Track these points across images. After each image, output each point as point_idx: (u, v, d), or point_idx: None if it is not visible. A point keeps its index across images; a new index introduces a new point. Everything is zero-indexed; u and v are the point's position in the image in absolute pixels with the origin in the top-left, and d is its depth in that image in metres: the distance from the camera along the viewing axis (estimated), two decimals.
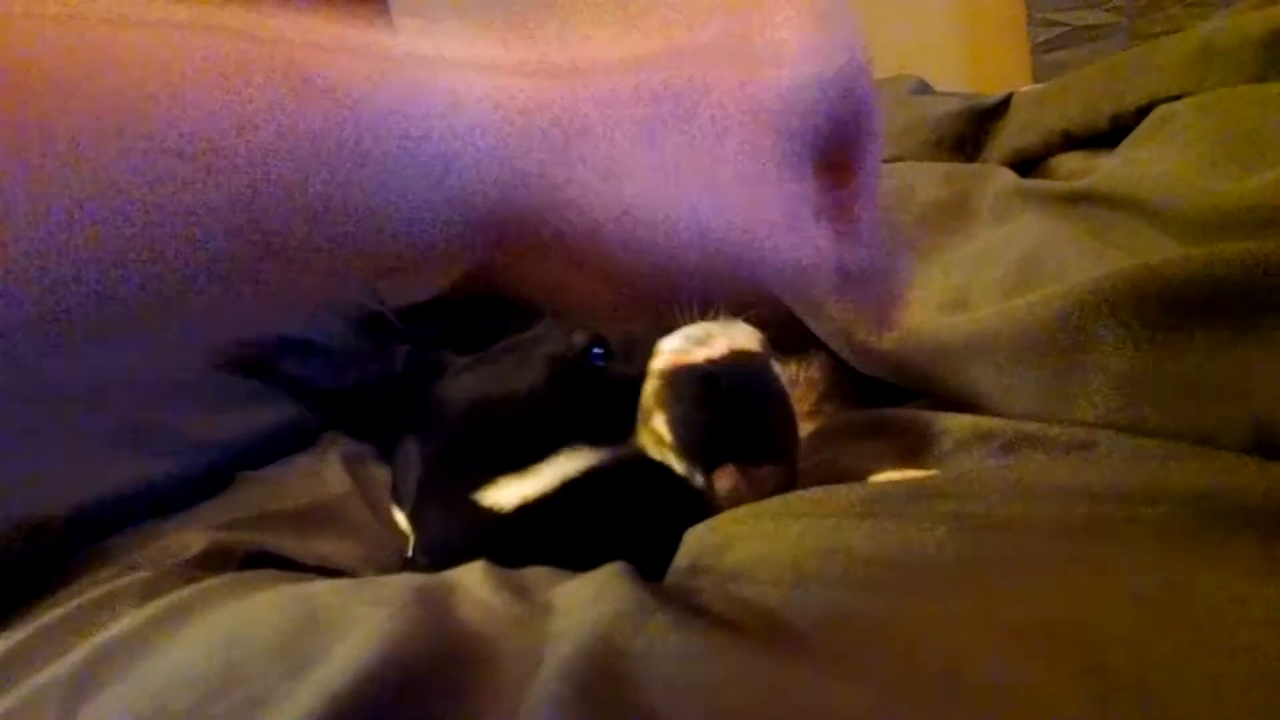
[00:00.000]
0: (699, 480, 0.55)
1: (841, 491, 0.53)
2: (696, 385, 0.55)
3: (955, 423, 0.65)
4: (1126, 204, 0.71)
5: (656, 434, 0.56)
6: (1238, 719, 0.29)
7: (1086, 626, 0.32)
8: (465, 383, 0.69)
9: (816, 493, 0.54)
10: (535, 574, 0.51)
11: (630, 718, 0.33)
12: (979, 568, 0.38)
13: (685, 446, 0.55)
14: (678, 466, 0.55)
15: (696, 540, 0.53)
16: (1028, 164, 0.96)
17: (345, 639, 0.42)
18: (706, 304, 0.61)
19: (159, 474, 0.90)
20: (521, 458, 0.56)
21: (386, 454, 0.76)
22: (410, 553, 0.69)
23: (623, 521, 0.55)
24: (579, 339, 0.63)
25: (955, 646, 0.33)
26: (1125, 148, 0.84)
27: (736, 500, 0.55)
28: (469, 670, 0.39)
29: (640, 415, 0.57)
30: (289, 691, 0.39)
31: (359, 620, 0.43)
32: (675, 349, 0.58)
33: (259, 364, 0.73)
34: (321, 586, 0.52)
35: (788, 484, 0.58)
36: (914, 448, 0.65)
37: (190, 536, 0.74)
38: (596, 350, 0.63)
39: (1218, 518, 0.39)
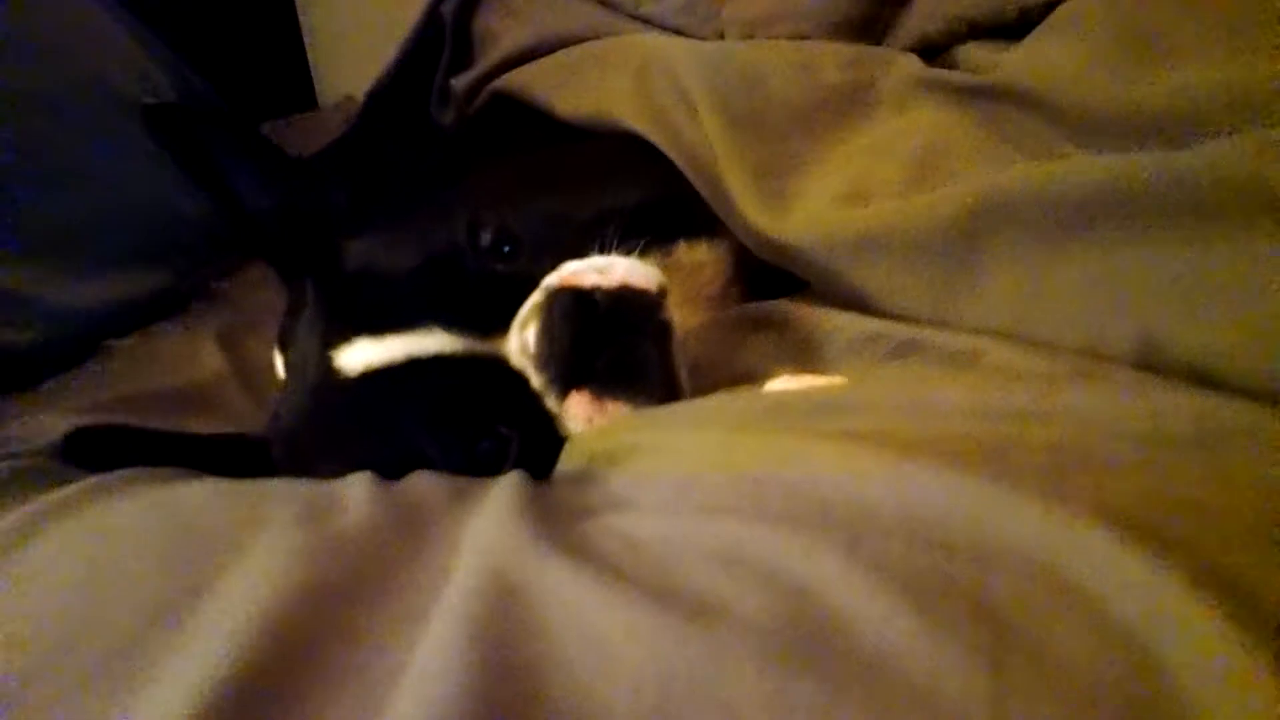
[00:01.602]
0: (552, 399, 0.56)
1: (739, 402, 0.52)
2: (572, 305, 0.55)
3: (846, 322, 0.64)
4: (1030, 102, 0.70)
5: (524, 342, 0.56)
6: (1123, 667, 0.29)
7: (980, 584, 0.32)
8: (365, 243, 0.67)
9: (714, 401, 0.53)
10: (423, 492, 0.49)
11: (526, 665, 0.32)
12: (873, 501, 0.37)
13: (545, 361, 0.55)
14: (535, 380, 0.56)
15: (588, 446, 0.53)
16: (933, 51, 0.94)
17: (226, 578, 0.39)
18: (627, 239, 0.62)
19: (16, 344, 0.86)
20: (382, 326, 0.57)
21: (289, 282, 0.76)
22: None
23: (457, 414, 0.56)
24: (485, 236, 0.62)
25: (844, 597, 0.32)
26: (1031, 39, 0.83)
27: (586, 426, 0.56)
28: (361, 609, 0.37)
29: (517, 322, 0.57)
30: (158, 653, 0.36)
31: (240, 553, 0.40)
32: (573, 270, 0.58)
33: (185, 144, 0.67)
34: (194, 497, 0.49)
35: None
36: (806, 347, 0.65)
37: (53, 419, 0.70)
38: (505, 248, 0.62)
39: (1106, 442, 0.40)
